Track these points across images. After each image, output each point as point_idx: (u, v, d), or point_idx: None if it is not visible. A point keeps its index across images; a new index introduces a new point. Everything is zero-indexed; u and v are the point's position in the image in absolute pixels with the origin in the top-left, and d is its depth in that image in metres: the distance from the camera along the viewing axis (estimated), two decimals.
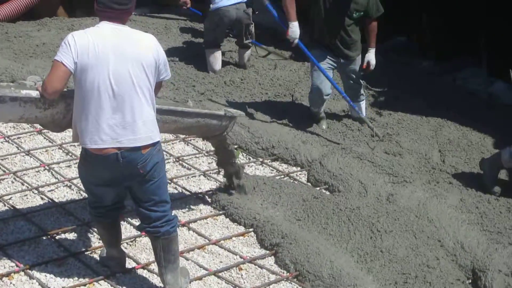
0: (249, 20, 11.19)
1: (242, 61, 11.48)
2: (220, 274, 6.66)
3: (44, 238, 6.85)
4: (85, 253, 6.69)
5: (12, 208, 7.25)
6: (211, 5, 10.89)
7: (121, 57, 5.37)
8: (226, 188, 7.90)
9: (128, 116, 5.42)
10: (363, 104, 9.71)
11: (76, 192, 7.41)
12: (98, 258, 6.58)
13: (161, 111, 6.24)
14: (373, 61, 9.28)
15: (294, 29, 8.81)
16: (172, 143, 9.10)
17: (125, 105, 5.40)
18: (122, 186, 5.80)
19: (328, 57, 9.16)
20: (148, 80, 5.48)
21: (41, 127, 8.68)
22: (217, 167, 8.18)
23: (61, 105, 5.79)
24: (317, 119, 9.60)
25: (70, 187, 7.63)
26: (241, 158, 8.86)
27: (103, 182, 5.73)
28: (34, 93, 5.67)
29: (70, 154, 8.39)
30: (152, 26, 12.60)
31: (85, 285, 6.21)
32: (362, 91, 9.69)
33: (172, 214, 5.97)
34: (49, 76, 5.41)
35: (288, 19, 8.88)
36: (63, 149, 8.51)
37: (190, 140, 8.64)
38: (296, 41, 8.87)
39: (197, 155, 8.54)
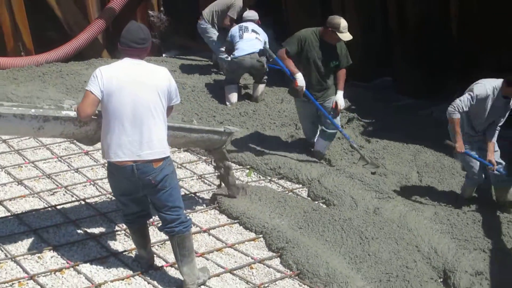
0: (262, 66, 11.19)
1: (256, 94, 11.45)
2: (234, 272, 6.65)
3: (90, 240, 6.87)
4: (123, 253, 6.70)
5: (64, 215, 7.28)
6: (231, 56, 11.01)
7: (139, 86, 5.54)
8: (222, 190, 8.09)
9: (145, 134, 5.57)
10: (328, 142, 9.51)
11: (115, 204, 7.41)
12: (133, 257, 6.60)
13: (173, 128, 6.51)
14: (340, 101, 9.08)
15: (301, 79, 8.74)
16: (196, 163, 9.12)
17: (143, 126, 5.56)
18: (140, 194, 5.90)
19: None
20: (162, 104, 5.64)
21: (88, 149, 8.77)
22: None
23: (93, 123, 5.97)
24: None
25: (111, 199, 7.63)
26: (253, 177, 8.87)
27: (125, 191, 5.90)
28: (72, 114, 5.91)
29: None
30: (180, 66, 12.61)
31: (123, 279, 6.24)
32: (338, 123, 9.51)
33: (186, 216, 6.02)
34: (82, 103, 5.62)
35: (293, 73, 8.81)
36: (105, 167, 8.51)
37: (210, 161, 8.63)
38: (304, 89, 8.85)
39: (216, 174, 8.53)
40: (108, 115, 5.59)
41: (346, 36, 8.45)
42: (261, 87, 11.47)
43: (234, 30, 11.26)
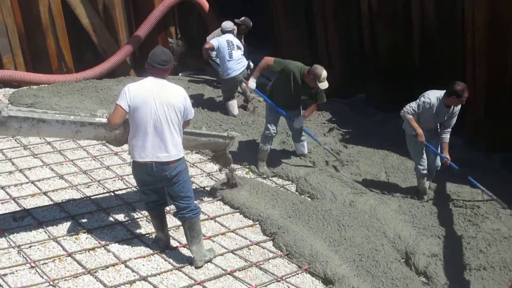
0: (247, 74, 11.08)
1: (246, 94, 11.45)
2: (235, 252, 6.70)
3: (117, 225, 6.88)
4: (145, 235, 6.73)
5: (96, 204, 7.29)
6: (225, 75, 10.81)
7: (160, 102, 5.61)
8: (222, 184, 8.16)
9: (163, 141, 5.69)
10: (305, 143, 9.46)
11: (139, 195, 7.41)
12: (153, 239, 6.61)
13: (186, 133, 6.57)
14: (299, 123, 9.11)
15: (253, 82, 8.90)
16: (205, 163, 9.11)
17: (162, 134, 5.67)
18: (158, 186, 6.02)
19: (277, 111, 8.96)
20: (177, 118, 5.72)
21: (117, 151, 8.78)
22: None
23: (121, 128, 6.04)
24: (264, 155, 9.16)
25: (135, 191, 7.63)
26: (251, 175, 8.87)
27: (146, 183, 6.01)
28: (104, 120, 6.04)
29: None
30: (193, 83, 12.62)
31: (144, 257, 6.28)
32: (303, 135, 9.38)
33: (195, 205, 6.13)
34: (112, 115, 5.76)
35: (254, 75, 8.90)
36: (131, 165, 8.49)
37: (216, 164, 8.65)
38: (254, 89, 9.03)
39: (222, 172, 8.52)
40: (134, 124, 5.69)
41: (324, 85, 8.27)
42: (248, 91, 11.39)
43: (223, 45, 10.77)
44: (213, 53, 11.54)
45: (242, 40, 11.82)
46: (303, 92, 8.73)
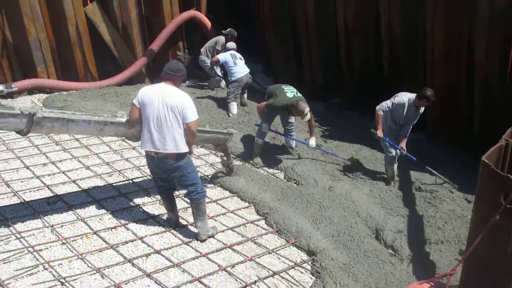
0: (251, 81, 11.45)
1: (244, 100, 11.51)
2: (234, 229, 6.70)
3: (135, 207, 6.87)
4: (158, 216, 6.72)
5: (117, 190, 7.26)
6: (232, 78, 10.97)
7: (162, 102, 5.66)
8: (223, 172, 8.21)
9: (164, 135, 5.70)
10: (294, 136, 9.39)
11: (153, 183, 7.40)
12: (165, 219, 6.60)
13: None
14: (312, 142, 8.89)
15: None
16: (208, 156, 9.07)
17: (163, 130, 5.68)
18: (163, 175, 6.05)
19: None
20: (176, 118, 5.69)
21: (134, 145, 8.74)
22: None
23: (137, 126, 6.12)
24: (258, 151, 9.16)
25: (150, 179, 7.60)
26: (246, 165, 8.84)
27: (154, 171, 6.09)
28: (123, 120, 6.16)
29: None
30: (198, 89, 12.57)
31: (158, 234, 6.29)
32: (293, 129, 9.34)
33: (202, 189, 6.14)
34: (130, 111, 5.94)
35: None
36: None
37: (218, 155, 8.59)
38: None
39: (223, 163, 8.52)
40: (143, 119, 5.79)
41: (307, 117, 8.36)
42: (245, 95, 11.55)
43: (228, 58, 11.09)
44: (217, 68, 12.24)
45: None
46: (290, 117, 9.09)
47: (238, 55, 11.27)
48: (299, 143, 9.36)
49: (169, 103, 5.63)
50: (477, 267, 2.90)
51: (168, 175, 6.03)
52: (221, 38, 12.19)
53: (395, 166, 8.44)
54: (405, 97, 7.98)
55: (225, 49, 11.71)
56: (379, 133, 8.08)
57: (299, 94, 8.66)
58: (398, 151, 8.29)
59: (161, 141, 5.71)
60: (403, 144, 8.21)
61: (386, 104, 8.04)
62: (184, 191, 6.73)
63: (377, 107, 8.09)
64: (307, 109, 8.27)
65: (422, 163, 8.62)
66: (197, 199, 6.09)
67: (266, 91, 9.27)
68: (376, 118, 8.09)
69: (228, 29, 12.11)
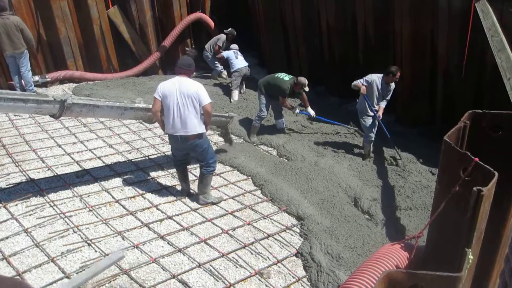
0: (249, 73, 11.43)
1: (243, 89, 11.46)
2: (234, 198, 6.64)
3: (151, 179, 6.81)
4: (170, 187, 6.66)
5: (136, 165, 7.21)
6: (234, 69, 11.08)
7: (180, 92, 5.62)
8: (225, 149, 8.12)
9: (184, 120, 5.67)
10: (284, 120, 9.40)
11: (166, 158, 7.37)
12: (178, 189, 6.55)
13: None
14: (312, 113, 9.19)
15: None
16: (212, 136, 8.99)
17: (183, 115, 5.65)
18: (184, 152, 6.02)
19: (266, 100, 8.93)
20: (193, 104, 5.66)
21: (150, 127, 8.66)
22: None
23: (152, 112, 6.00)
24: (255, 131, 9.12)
25: (164, 156, 7.56)
26: (245, 144, 8.78)
27: (176, 148, 6.00)
28: (141, 105, 6.20)
29: (166, 141, 8.31)
30: (202, 80, 12.44)
31: (170, 202, 6.24)
32: (283, 114, 9.34)
33: (212, 165, 6.14)
34: (152, 105, 5.80)
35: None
36: (161, 138, 8.43)
37: (221, 134, 8.55)
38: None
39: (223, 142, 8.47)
40: (165, 109, 5.71)
41: (306, 89, 8.66)
42: (243, 85, 11.50)
43: (231, 54, 11.32)
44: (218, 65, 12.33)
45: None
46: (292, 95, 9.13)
47: (239, 53, 11.40)
48: (290, 125, 9.30)
49: (186, 92, 5.60)
50: (440, 230, 2.87)
51: (187, 152, 6.05)
52: (222, 36, 12.05)
53: (371, 144, 8.40)
54: (373, 75, 7.99)
55: (229, 48, 11.74)
56: (363, 90, 7.97)
57: (290, 75, 8.89)
58: (374, 134, 8.24)
59: (183, 125, 5.69)
60: (380, 112, 8.11)
61: (358, 81, 8.00)
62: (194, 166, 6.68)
63: (352, 83, 8.04)
64: (306, 80, 8.64)
65: (393, 140, 8.55)
66: (204, 172, 6.16)
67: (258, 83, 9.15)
68: (354, 84, 8.01)
69: (229, 29, 12.08)
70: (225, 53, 11.46)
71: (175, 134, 5.76)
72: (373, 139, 8.29)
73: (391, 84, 7.96)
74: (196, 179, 6.69)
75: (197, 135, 5.80)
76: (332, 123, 9.55)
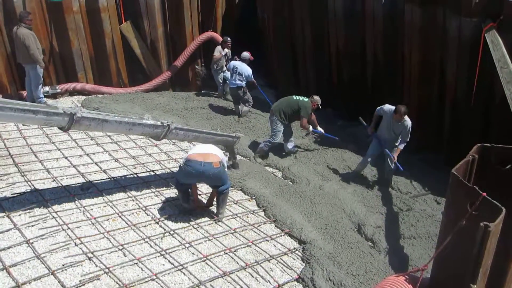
0: (242, 95, 10.90)
1: (239, 111, 10.96)
2: (238, 215, 6.67)
3: (154, 194, 6.80)
4: (173, 201, 6.63)
5: (140, 179, 7.22)
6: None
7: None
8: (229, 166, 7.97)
9: (209, 148, 6.17)
10: (293, 143, 9.33)
11: (170, 174, 7.38)
12: (178, 205, 6.55)
13: (206, 133, 6.99)
14: (322, 131, 9.41)
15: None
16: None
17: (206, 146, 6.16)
18: (198, 179, 6.24)
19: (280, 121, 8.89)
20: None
21: (156, 143, 8.67)
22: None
23: (160, 128, 6.28)
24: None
25: (169, 172, 7.56)
26: (250, 164, 8.77)
27: (191, 173, 6.11)
28: (149, 122, 6.21)
29: (171, 157, 8.33)
30: (211, 98, 12.51)
31: (172, 216, 6.24)
32: (292, 137, 9.26)
33: (227, 188, 6.35)
34: None
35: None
36: (166, 154, 8.44)
37: (227, 154, 8.57)
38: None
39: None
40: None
41: (320, 106, 8.97)
42: (240, 107, 11.00)
43: (229, 72, 10.96)
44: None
45: (229, 50, 12.05)
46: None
47: (239, 67, 10.70)
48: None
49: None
50: (445, 264, 2.85)
51: (207, 177, 6.12)
52: (218, 47, 11.91)
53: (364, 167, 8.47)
54: (387, 107, 7.95)
55: (240, 55, 11.28)
56: (370, 130, 8.14)
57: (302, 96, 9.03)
58: (389, 166, 8.17)
59: (207, 152, 6.07)
60: (395, 154, 7.95)
61: (377, 110, 8.11)
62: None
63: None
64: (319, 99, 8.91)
65: (406, 173, 8.45)
66: (220, 192, 6.31)
67: (271, 108, 9.14)
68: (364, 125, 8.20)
69: (224, 37, 12.09)
70: (228, 67, 11.23)
71: (199, 161, 6.04)
72: (364, 163, 8.37)
73: (400, 122, 7.77)
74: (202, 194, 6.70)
75: (218, 163, 6.11)
76: (338, 140, 9.51)
